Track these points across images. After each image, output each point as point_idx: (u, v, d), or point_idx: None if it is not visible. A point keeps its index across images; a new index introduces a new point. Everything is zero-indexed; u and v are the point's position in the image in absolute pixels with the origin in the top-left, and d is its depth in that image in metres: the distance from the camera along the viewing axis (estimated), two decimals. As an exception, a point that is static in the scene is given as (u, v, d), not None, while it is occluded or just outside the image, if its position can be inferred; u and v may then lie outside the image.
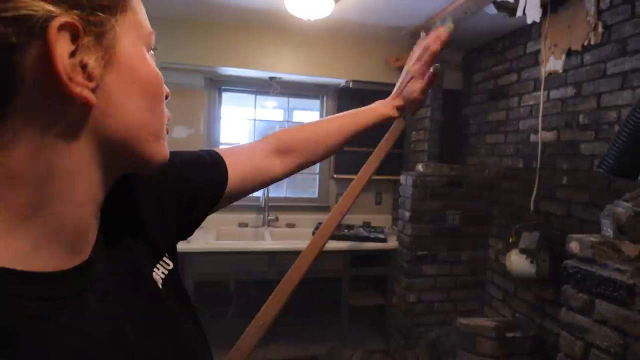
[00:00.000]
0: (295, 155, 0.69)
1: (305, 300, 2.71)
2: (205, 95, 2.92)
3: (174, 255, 0.48)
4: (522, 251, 1.98)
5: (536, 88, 2.19)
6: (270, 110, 3.34)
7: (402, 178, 2.63)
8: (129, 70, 0.33)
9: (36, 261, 0.29)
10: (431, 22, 2.37)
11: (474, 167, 2.60)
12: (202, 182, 0.55)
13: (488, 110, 2.62)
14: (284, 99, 3.16)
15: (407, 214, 2.52)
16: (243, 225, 2.96)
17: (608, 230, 1.19)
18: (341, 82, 2.88)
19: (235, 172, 0.59)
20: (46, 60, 0.27)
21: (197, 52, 2.57)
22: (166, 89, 0.38)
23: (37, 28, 0.26)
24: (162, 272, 0.43)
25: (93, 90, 0.30)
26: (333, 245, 2.52)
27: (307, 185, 3.23)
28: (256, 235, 2.90)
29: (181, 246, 2.32)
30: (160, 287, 0.41)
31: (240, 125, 3.19)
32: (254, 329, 0.93)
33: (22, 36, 0.26)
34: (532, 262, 1.98)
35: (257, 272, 2.52)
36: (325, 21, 2.32)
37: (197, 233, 2.88)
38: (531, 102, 2.23)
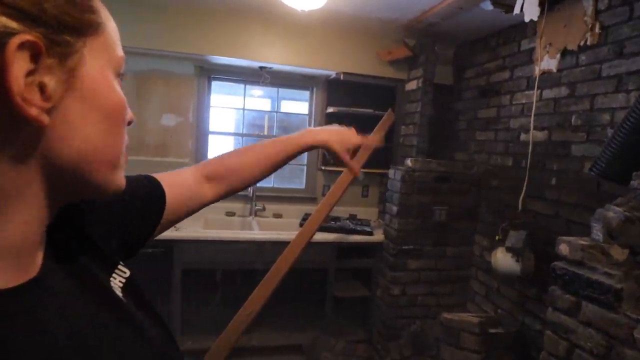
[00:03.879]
0: (223, 182, 0.70)
1: (291, 290, 2.70)
2: (195, 83, 2.83)
3: (129, 264, 0.47)
4: (508, 249, 2.01)
5: (529, 86, 2.19)
6: (258, 99, 3.27)
7: (390, 172, 2.62)
8: (92, 95, 0.31)
9: None
10: (425, 16, 2.33)
11: (462, 164, 2.61)
12: (143, 205, 0.56)
13: (479, 106, 2.62)
14: (274, 89, 3.09)
15: (395, 208, 2.51)
16: (230, 214, 2.92)
17: (598, 234, 1.20)
18: (332, 74, 2.83)
19: (171, 196, 0.60)
20: (3, 77, 0.26)
21: (188, 39, 2.49)
22: (130, 114, 0.37)
23: None
24: (120, 281, 0.42)
25: (49, 111, 0.28)
26: (320, 236, 2.50)
27: (294, 176, 3.20)
28: (243, 225, 2.86)
29: (169, 234, 2.33)
30: (121, 295, 0.40)
31: (229, 114, 3.12)
32: (241, 317, 0.93)
33: None
34: (517, 260, 2.00)
35: (244, 261, 2.49)
36: (318, 12, 2.26)
37: (186, 221, 2.84)
38: (523, 101, 2.23)
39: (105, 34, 0.33)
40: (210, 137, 2.94)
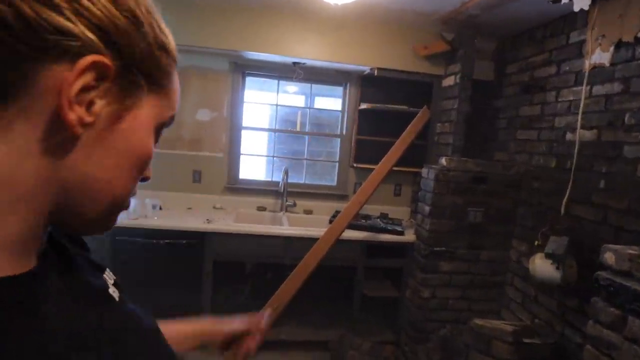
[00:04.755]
0: None
1: (320, 287, 2.71)
2: (229, 79, 2.88)
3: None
4: (548, 256, 1.88)
5: (577, 82, 2.04)
6: (292, 95, 3.28)
7: (423, 171, 2.54)
8: (129, 135, 0.33)
9: None
10: (465, 7, 2.23)
11: (500, 164, 2.48)
12: None
13: (521, 104, 2.48)
14: (307, 85, 3.09)
15: (427, 208, 2.44)
16: (262, 209, 2.95)
17: (649, 244, 1.09)
18: (366, 69, 2.78)
19: None
20: (61, 79, 0.28)
21: (223, 36, 2.54)
22: (149, 172, 0.38)
23: (70, 53, 0.28)
24: (110, 278, 0.43)
25: (85, 126, 0.30)
26: (349, 234, 2.48)
27: (326, 172, 3.18)
28: (274, 220, 2.88)
29: (201, 226, 2.38)
30: (112, 294, 0.41)
31: (263, 110, 3.15)
32: (268, 311, 0.95)
33: (56, 50, 0.28)
34: (557, 267, 1.88)
35: (274, 255, 2.51)
36: (351, 5, 2.22)
37: (217, 214, 2.89)
38: (570, 97, 2.08)
39: (169, 95, 0.37)
40: (243, 132, 2.98)
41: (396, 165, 2.48)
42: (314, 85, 3.10)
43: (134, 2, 0.32)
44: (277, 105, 3.05)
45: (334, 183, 3.12)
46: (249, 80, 3.00)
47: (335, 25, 2.62)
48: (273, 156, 3.09)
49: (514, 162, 2.48)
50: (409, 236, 2.61)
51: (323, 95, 3.32)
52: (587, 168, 1.91)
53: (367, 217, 2.88)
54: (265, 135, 3.16)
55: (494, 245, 2.47)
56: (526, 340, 1.92)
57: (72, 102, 0.29)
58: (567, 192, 1.93)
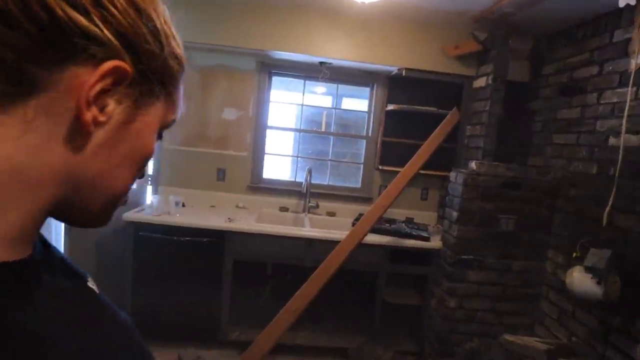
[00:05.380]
0: None
1: (340, 291, 2.64)
2: (255, 78, 2.89)
3: None
4: (588, 269, 1.75)
5: (622, 83, 1.90)
6: (319, 96, 3.25)
7: (452, 175, 2.44)
8: (136, 135, 0.35)
9: None
10: (499, 5, 2.13)
11: (536, 169, 2.35)
12: None
13: (558, 106, 2.34)
14: (333, 85, 3.05)
15: (455, 214, 2.33)
16: (284, 209, 2.93)
17: None
18: (393, 69, 2.72)
19: None
20: (83, 82, 0.30)
21: (251, 35, 2.55)
22: (146, 169, 0.41)
23: (95, 57, 0.30)
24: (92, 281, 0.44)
25: (97, 125, 0.32)
26: (372, 238, 2.41)
27: (350, 174, 3.12)
28: (296, 221, 2.85)
29: (222, 224, 2.38)
30: (92, 286, 0.41)
31: (289, 110, 3.13)
32: (287, 314, 0.90)
33: (83, 54, 0.30)
34: (598, 282, 1.74)
35: (295, 257, 2.47)
36: (379, 4, 2.18)
37: (240, 213, 2.88)
38: (614, 100, 1.94)
39: (175, 101, 0.39)
40: (268, 132, 2.98)
41: (423, 168, 2.39)
42: (341, 86, 3.06)
43: (155, 14, 0.34)
44: (302, 105, 3.02)
45: (358, 185, 3.05)
46: (275, 80, 2.99)
47: (362, 25, 2.57)
48: (297, 156, 3.06)
49: (550, 168, 2.34)
50: (435, 242, 2.51)
51: (350, 96, 3.27)
52: (633, 175, 1.77)
53: (391, 221, 2.79)
54: (290, 135, 3.14)
55: (528, 255, 2.33)
56: None
57: (90, 103, 0.30)
58: (610, 201, 1.79)
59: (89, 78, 0.30)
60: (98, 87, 0.30)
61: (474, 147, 2.64)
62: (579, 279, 1.82)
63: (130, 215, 2.37)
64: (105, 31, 0.30)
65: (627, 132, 1.80)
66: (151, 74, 0.34)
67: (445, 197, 2.55)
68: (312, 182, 2.86)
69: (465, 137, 2.77)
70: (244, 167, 2.94)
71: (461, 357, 2.28)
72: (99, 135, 0.32)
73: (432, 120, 2.61)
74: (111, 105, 0.32)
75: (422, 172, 2.45)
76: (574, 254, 1.96)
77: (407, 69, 2.63)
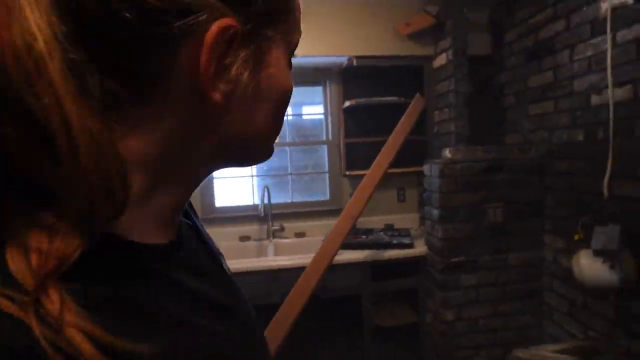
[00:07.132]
0: None
1: (322, 323, 2.30)
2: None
3: None
4: (597, 252, 1.46)
5: (594, 33, 1.65)
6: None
7: (425, 168, 2.16)
8: (268, 83, 0.32)
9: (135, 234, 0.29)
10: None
11: (516, 147, 2.09)
12: None
13: (528, 74, 2.09)
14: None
15: (436, 212, 2.04)
16: (245, 238, 2.57)
17: None
18: (343, 60, 2.43)
19: None
20: (197, 58, 0.27)
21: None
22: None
23: (201, 27, 0.26)
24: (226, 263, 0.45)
25: (227, 94, 0.30)
26: (347, 256, 2.09)
27: (315, 186, 2.79)
28: (259, 250, 2.49)
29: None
30: (226, 269, 0.43)
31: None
32: None
33: (184, 32, 0.26)
34: (612, 266, 1.45)
35: (259, 295, 2.11)
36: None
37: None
38: (589, 53, 1.69)
39: (294, 19, 0.34)
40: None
41: (393, 166, 2.09)
42: (298, 92, 2.74)
43: None
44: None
45: (327, 197, 2.73)
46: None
47: (303, 13, 2.28)
48: (252, 175, 2.72)
49: (531, 143, 2.08)
50: (420, 248, 2.20)
51: (309, 104, 2.96)
52: (627, 134, 1.51)
53: (369, 231, 2.47)
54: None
55: (523, 246, 2.04)
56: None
57: (212, 81, 0.28)
58: (608, 169, 1.53)
59: (202, 57, 0.27)
60: (214, 62, 0.27)
61: (445, 133, 2.37)
62: (588, 266, 1.53)
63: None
64: None
65: (612, 85, 1.54)
66: (261, 17, 0.30)
67: (424, 194, 2.26)
68: (273, 201, 2.52)
69: (434, 125, 2.50)
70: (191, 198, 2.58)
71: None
72: (231, 102, 0.30)
73: (396, 112, 2.32)
74: (233, 67, 0.29)
75: (393, 170, 2.16)
76: (576, 236, 1.70)
77: (357, 57, 2.35)
